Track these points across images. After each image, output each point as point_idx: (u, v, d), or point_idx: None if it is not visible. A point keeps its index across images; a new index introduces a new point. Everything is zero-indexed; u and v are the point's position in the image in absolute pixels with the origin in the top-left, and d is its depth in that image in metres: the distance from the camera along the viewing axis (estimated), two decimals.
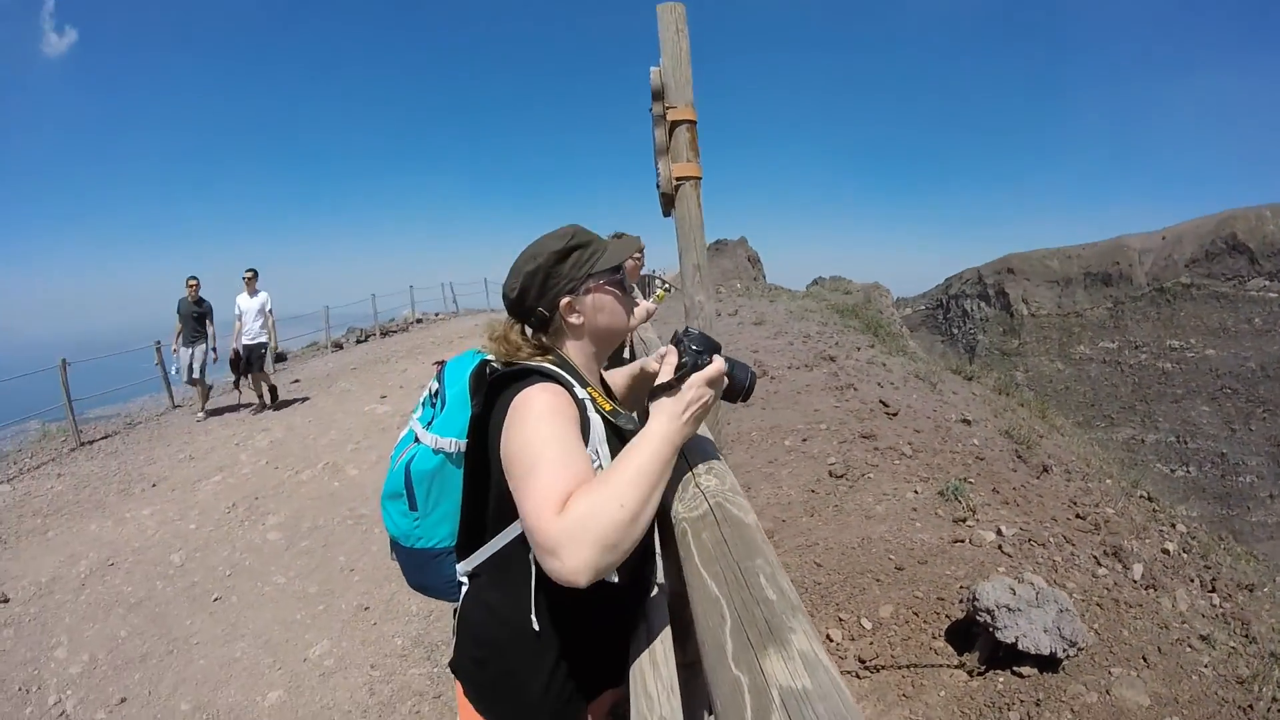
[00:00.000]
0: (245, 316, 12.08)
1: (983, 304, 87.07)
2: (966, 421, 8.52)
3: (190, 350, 12.09)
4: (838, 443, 7.63)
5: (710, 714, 2.91)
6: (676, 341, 1.60)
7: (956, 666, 4.26)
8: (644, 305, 5.70)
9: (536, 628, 1.56)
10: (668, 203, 2.54)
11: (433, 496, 1.79)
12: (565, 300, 1.62)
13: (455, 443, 1.74)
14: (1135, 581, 5.24)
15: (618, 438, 1.59)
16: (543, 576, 1.51)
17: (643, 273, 7.39)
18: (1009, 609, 4.12)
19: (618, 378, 2.00)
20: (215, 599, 6.08)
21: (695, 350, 1.54)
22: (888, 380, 10.55)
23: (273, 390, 13.04)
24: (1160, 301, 73.53)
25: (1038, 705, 3.91)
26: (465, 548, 1.69)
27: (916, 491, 6.33)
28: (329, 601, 5.84)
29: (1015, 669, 4.13)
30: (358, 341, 21.56)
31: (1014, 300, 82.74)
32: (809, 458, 7.33)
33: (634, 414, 1.81)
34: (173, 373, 12.55)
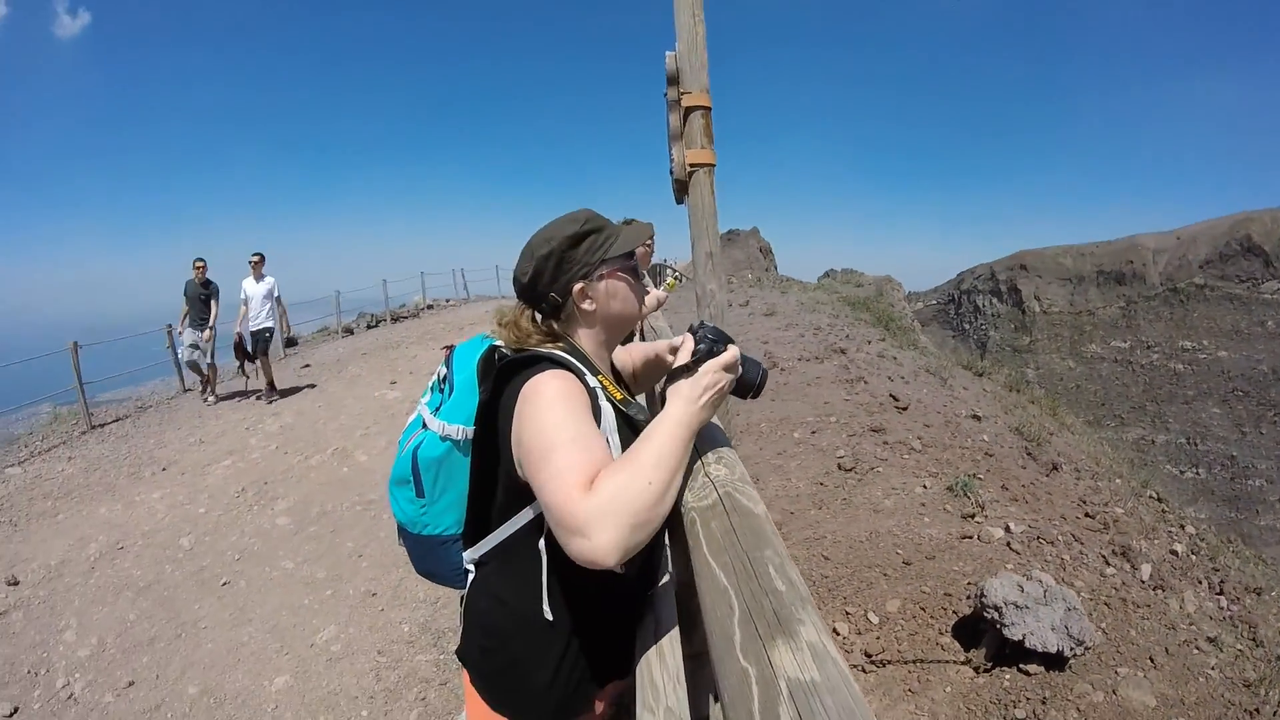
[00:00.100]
0: (251, 302, 11.97)
1: (995, 300, 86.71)
2: (976, 417, 8.49)
3: (197, 333, 12.06)
4: (847, 436, 7.61)
5: (716, 704, 2.91)
6: (692, 332, 1.61)
7: (963, 663, 4.25)
8: (655, 293, 5.70)
9: (550, 617, 1.55)
10: (681, 189, 2.52)
11: (439, 483, 1.78)
12: (579, 286, 1.60)
13: (462, 430, 1.73)
14: (1143, 582, 5.21)
15: (629, 426, 1.58)
16: (554, 564, 1.51)
17: (653, 262, 7.38)
18: (1017, 606, 4.10)
19: (634, 353, 2.00)
20: (224, 583, 6.11)
21: (710, 339, 1.56)
22: (898, 374, 10.51)
23: (268, 375, 12.81)
24: (1173, 302, 73.14)
25: (1044, 704, 3.89)
26: (472, 536, 1.68)
27: (925, 486, 6.31)
28: (337, 587, 5.87)
29: (1022, 666, 4.12)
30: (368, 327, 21.61)
31: (1026, 297, 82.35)
32: (818, 450, 7.31)
33: (643, 403, 1.80)
34: (181, 355, 12.51)
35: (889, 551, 5.32)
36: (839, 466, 6.81)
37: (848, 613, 4.77)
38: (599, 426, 1.46)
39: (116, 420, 12.22)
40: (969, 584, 4.83)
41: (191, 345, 12.09)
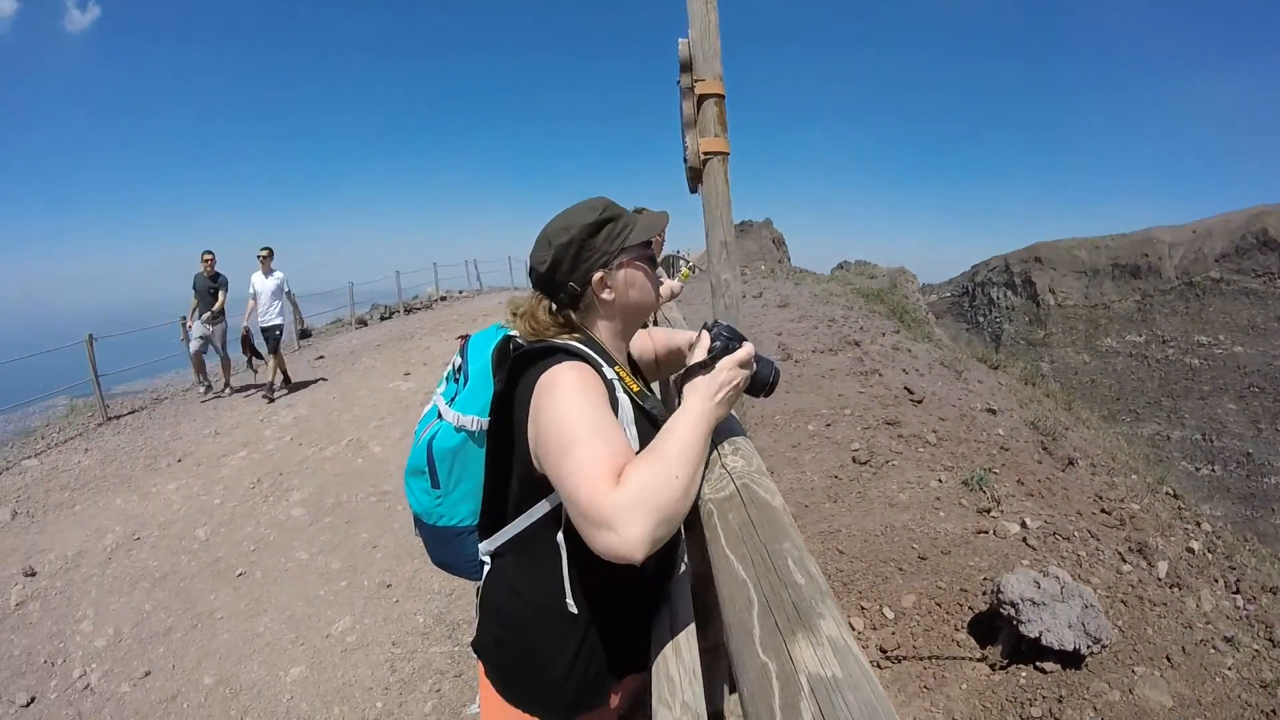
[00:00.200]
0: (260, 297, 11.87)
1: (1009, 292, 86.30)
2: (992, 411, 8.45)
3: (205, 326, 12.00)
4: (861, 429, 7.58)
5: (731, 696, 2.89)
6: (707, 329, 1.62)
7: (979, 659, 4.23)
8: (669, 284, 5.68)
9: (574, 610, 1.55)
10: (695, 177, 2.49)
11: (454, 474, 1.77)
12: (598, 275, 1.59)
13: (477, 421, 1.71)
14: (1160, 580, 5.17)
15: (645, 418, 1.57)
16: (575, 557, 1.50)
17: (664, 253, 7.37)
18: (1033, 602, 4.07)
19: (657, 339, 2.00)
20: (239, 574, 6.14)
21: (725, 336, 1.57)
22: (913, 367, 10.47)
23: (285, 375, 12.70)
24: (1189, 296, 72.62)
25: (1060, 702, 3.86)
26: (487, 527, 1.67)
27: (940, 480, 6.28)
28: (351, 578, 5.89)
29: (1038, 664, 4.09)
30: (382, 318, 21.67)
31: (1041, 290, 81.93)
32: (832, 443, 7.29)
33: (659, 397, 1.79)
34: (190, 348, 12.45)
35: (904, 546, 5.29)
36: (853, 460, 6.78)
37: (863, 607, 4.75)
38: (616, 418, 1.45)
39: (132, 412, 12.29)
40: (985, 580, 4.80)
41: (200, 337, 12.05)
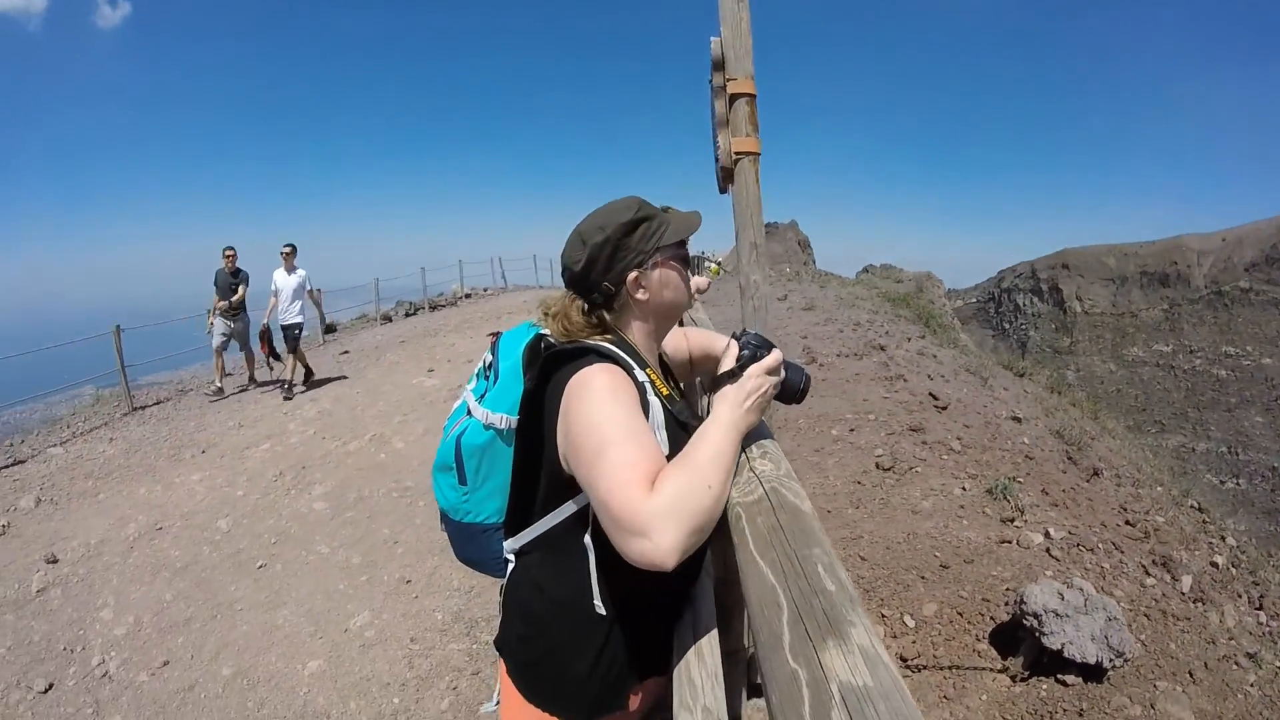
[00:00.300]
0: (281, 294, 11.79)
1: (1035, 299, 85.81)
2: (1017, 419, 8.38)
3: (229, 323, 11.99)
4: (885, 434, 7.54)
5: (749, 701, 2.87)
6: (736, 338, 1.62)
7: (999, 670, 4.19)
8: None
9: (602, 611, 1.54)
10: (726, 176, 2.47)
11: (482, 471, 1.77)
12: (633, 275, 1.57)
13: (506, 419, 1.71)
14: (1183, 594, 5.11)
15: (675, 422, 1.56)
16: (603, 559, 1.49)
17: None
18: (1057, 614, 4.03)
19: (693, 339, 1.98)
20: (260, 566, 6.18)
21: (754, 345, 1.57)
22: (938, 373, 10.41)
23: (307, 370, 12.68)
24: (1217, 305, 71.90)
25: (1080, 716, 3.82)
26: (513, 525, 1.67)
27: (964, 488, 6.23)
28: (371, 573, 5.91)
29: (1059, 677, 4.05)
30: (406, 315, 21.77)
31: (1068, 297, 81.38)
32: (856, 448, 7.25)
33: (687, 402, 1.78)
34: (213, 344, 12.33)
35: (927, 554, 5.26)
36: (877, 466, 6.75)
37: (884, 615, 4.72)
38: (647, 421, 1.44)
39: (157, 403, 12.39)
40: (1007, 590, 4.76)
41: (223, 334, 12.02)
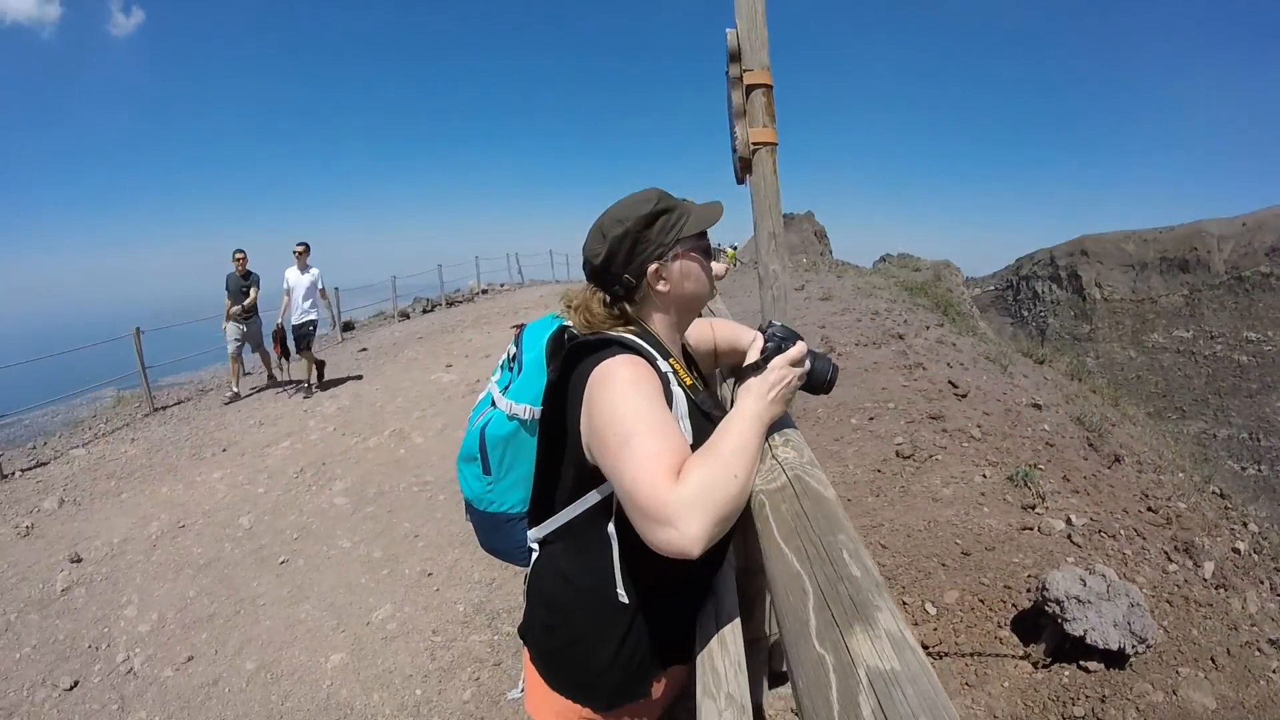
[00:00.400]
0: (294, 292, 11.65)
1: (1054, 286, 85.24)
2: (1037, 406, 8.32)
3: (241, 326, 11.91)
4: (905, 423, 7.50)
5: (770, 690, 2.87)
6: (763, 331, 1.64)
7: (1021, 657, 4.17)
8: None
9: (625, 599, 1.55)
10: (744, 167, 2.47)
11: (506, 462, 1.79)
12: (653, 267, 1.57)
13: (530, 409, 1.72)
14: (1205, 580, 5.07)
15: (699, 412, 1.56)
16: (626, 548, 1.50)
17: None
18: (1079, 600, 4.01)
19: (719, 330, 1.98)
20: (282, 561, 6.23)
21: (779, 337, 1.59)
22: (957, 361, 10.34)
23: (319, 367, 12.44)
24: (1238, 291, 71.22)
25: (1103, 702, 3.80)
26: (537, 515, 1.69)
27: (985, 475, 6.20)
28: (393, 566, 5.94)
29: (1081, 663, 4.03)
30: (424, 311, 21.85)
31: (1087, 283, 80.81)
32: (876, 437, 7.23)
33: (710, 392, 1.79)
34: (228, 349, 12.22)
35: (948, 541, 5.24)
36: (897, 454, 6.72)
37: (905, 603, 4.71)
38: (671, 412, 1.45)
39: (178, 403, 12.48)
40: (1029, 576, 4.74)
41: (235, 339, 11.94)
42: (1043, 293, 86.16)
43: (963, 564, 4.99)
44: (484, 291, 25.56)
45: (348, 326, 18.73)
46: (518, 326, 1.89)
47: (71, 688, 4.91)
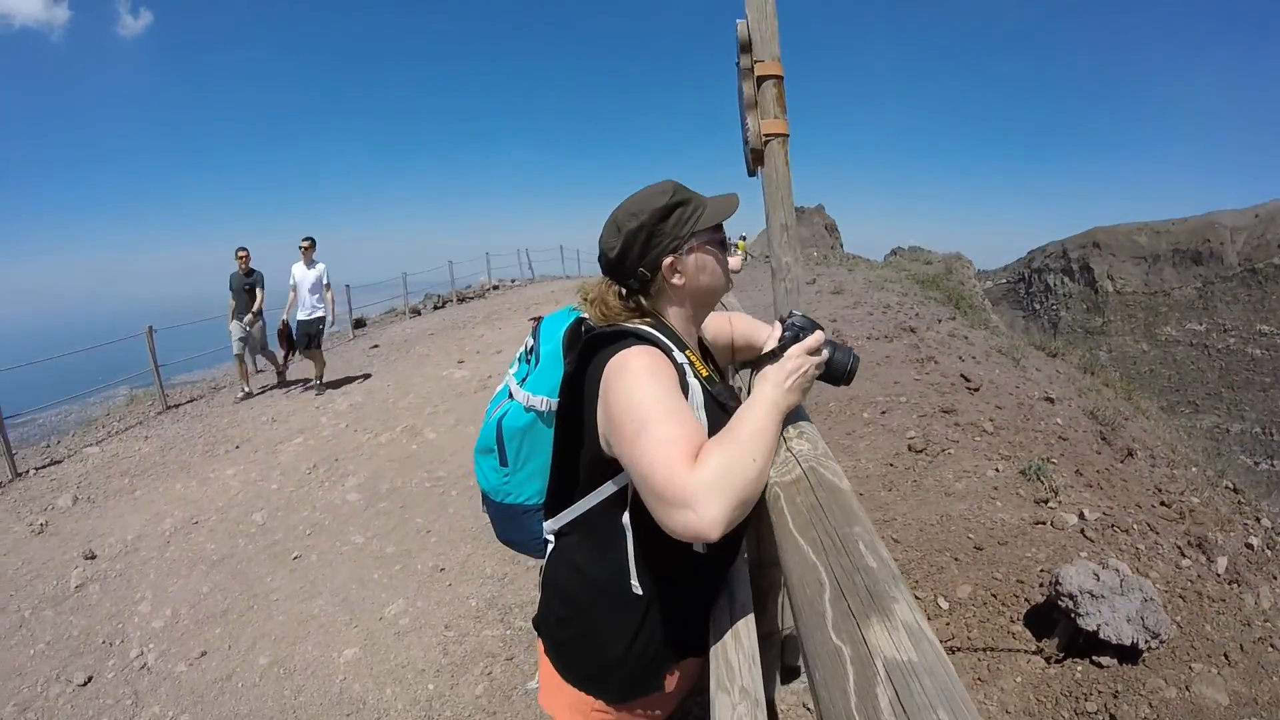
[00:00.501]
0: (300, 288, 11.37)
1: (1066, 279, 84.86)
2: (1050, 400, 8.29)
3: (246, 325, 11.72)
4: (917, 416, 7.48)
5: (783, 686, 2.87)
6: (782, 320, 1.64)
7: (1034, 652, 4.16)
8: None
9: (639, 591, 1.55)
10: (756, 159, 2.46)
11: (523, 453, 1.79)
12: (668, 260, 1.57)
13: (547, 401, 1.73)
14: (1219, 575, 5.05)
15: (715, 403, 1.56)
16: (642, 539, 1.50)
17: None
18: (1092, 595, 3.99)
19: (737, 324, 1.97)
20: (295, 557, 6.25)
21: (797, 326, 1.60)
22: (969, 354, 10.30)
23: (320, 367, 12.18)
24: (1251, 283, 70.75)
25: (1115, 697, 3.79)
26: (553, 506, 1.68)
27: (997, 469, 6.18)
28: (405, 562, 5.96)
29: (1094, 658, 4.01)
30: (435, 308, 21.89)
31: (1099, 276, 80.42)
32: (888, 431, 7.21)
33: (726, 384, 1.79)
34: (233, 349, 12.04)
35: (960, 536, 5.23)
36: (909, 448, 6.71)
37: (917, 597, 4.69)
38: (687, 401, 1.45)
39: (191, 401, 12.54)
40: (1042, 571, 4.73)
41: (240, 339, 11.78)
42: (1055, 285, 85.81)
43: (975, 558, 4.98)
44: (495, 287, 25.58)
45: (359, 323, 18.78)
46: (535, 319, 1.90)
47: (85, 683, 4.94)
